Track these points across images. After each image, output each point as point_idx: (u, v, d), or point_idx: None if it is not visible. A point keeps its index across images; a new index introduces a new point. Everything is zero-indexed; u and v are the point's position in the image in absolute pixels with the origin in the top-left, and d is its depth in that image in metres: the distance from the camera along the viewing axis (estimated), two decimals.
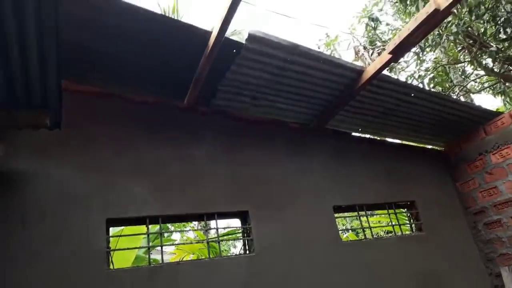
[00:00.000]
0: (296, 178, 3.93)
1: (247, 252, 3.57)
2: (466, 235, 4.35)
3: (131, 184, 3.26)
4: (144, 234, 3.32)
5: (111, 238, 3.19)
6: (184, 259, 5.04)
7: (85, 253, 2.89)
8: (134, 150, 3.41)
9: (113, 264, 3.15)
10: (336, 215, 3.99)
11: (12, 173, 2.87)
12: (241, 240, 3.80)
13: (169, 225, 6.66)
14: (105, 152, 3.29)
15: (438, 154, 4.76)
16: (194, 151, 3.64)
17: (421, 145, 4.73)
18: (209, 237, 3.52)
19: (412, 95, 3.79)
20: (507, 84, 7.74)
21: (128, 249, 3.47)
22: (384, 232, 8.42)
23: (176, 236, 6.32)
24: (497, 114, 4.21)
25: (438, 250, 4.09)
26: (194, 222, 6.68)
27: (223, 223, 3.78)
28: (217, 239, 3.70)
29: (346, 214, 4.34)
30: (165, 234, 6.24)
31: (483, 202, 4.26)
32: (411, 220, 4.38)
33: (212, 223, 3.64)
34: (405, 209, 4.45)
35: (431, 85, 8.31)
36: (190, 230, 5.32)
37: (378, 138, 4.55)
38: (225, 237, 5.15)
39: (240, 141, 3.88)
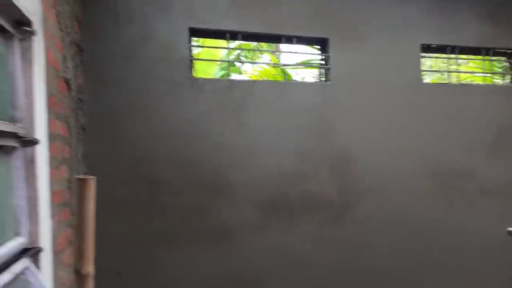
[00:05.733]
0: (387, 8, 3.52)
1: (322, 80, 3.53)
2: None
3: None
4: (225, 48, 3.33)
5: (193, 50, 3.26)
6: None
7: (170, 58, 3.01)
8: None
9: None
10: (423, 54, 3.68)
11: None
12: (315, 71, 3.72)
13: (242, 57, 6.68)
14: None
15: None
16: None
17: None
18: (284, 64, 3.52)
19: None
20: None
21: (210, 60, 3.57)
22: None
23: (249, 66, 6.40)
24: None
25: None
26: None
27: (299, 49, 3.65)
28: (292, 64, 3.65)
29: (434, 55, 3.96)
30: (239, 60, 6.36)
31: None
32: (508, 70, 3.95)
33: (288, 49, 3.55)
34: (504, 57, 3.96)
35: None
36: (266, 50, 5.24)
37: None
38: (299, 66, 5.13)
39: None
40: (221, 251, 3.05)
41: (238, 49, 3.44)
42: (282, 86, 3.34)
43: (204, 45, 3.73)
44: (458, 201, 3.59)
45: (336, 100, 3.36)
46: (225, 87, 3.15)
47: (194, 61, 3.31)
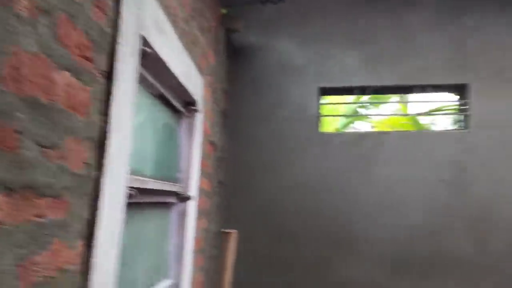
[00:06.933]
0: None
1: (459, 128, 3.32)
2: None
3: (343, 55, 3.36)
4: (354, 103, 3.47)
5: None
6: None
7: (301, 117, 3.31)
8: (348, 21, 3.41)
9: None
10: None
11: (247, 45, 3.42)
12: (448, 117, 3.51)
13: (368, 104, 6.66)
14: (321, 24, 3.43)
15: None
16: (410, 17, 3.35)
17: None
18: (412, 113, 3.43)
19: None
20: None
21: (337, 115, 3.74)
22: None
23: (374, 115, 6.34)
24: None
25: None
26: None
27: (429, 97, 3.56)
28: (424, 113, 3.54)
29: None
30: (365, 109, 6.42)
31: None
32: None
33: (418, 97, 3.50)
34: None
35: None
36: (395, 102, 5.13)
37: None
38: (431, 114, 4.85)
39: (468, 1, 3.30)
40: None
41: (361, 102, 3.55)
42: (414, 136, 3.27)
43: (331, 101, 3.95)
44: None
45: (477, 150, 3.10)
46: (353, 140, 3.26)
47: (321, 117, 3.55)
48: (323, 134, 3.32)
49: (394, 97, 5.06)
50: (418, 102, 3.68)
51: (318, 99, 3.37)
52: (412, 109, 5.62)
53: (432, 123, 5.40)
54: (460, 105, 3.36)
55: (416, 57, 3.29)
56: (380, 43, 3.33)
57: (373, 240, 3.08)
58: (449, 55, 3.25)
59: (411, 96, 3.46)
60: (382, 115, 4.34)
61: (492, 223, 3.00)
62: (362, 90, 3.40)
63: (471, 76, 3.20)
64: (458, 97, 3.41)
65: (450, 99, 3.68)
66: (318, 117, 3.34)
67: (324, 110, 4.27)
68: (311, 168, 3.23)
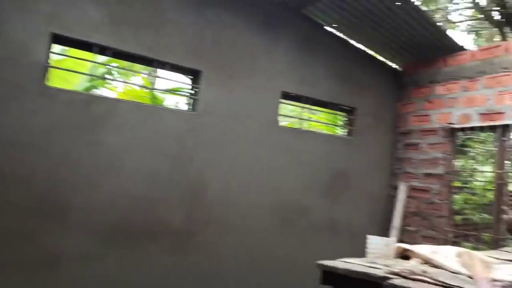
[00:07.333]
0: (257, 54, 3.86)
1: (189, 110, 3.64)
2: (385, 149, 4.74)
3: (85, 3, 2.99)
4: (92, 61, 3.18)
5: (54, 59, 3.03)
6: None
7: (20, 60, 2.76)
8: None
9: None
10: (282, 101, 4.10)
11: None
12: (185, 99, 3.81)
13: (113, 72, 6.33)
14: None
15: (393, 72, 4.88)
16: None
17: (382, 58, 4.79)
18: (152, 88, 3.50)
19: (400, 3, 3.67)
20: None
21: (70, 70, 3.34)
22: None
23: (119, 84, 6.11)
24: (461, 48, 4.30)
25: (358, 155, 4.47)
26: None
27: (171, 77, 3.77)
28: (160, 89, 3.67)
29: (291, 102, 4.44)
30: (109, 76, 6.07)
31: (413, 125, 4.63)
32: (346, 124, 4.68)
33: (162, 74, 3.60)
34: (345, 113, 4.68)
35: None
36: (138, 72, 5.09)
37: (344, 37, 4.49)
38: (167, 92, 5.14)
39: None
40: (43, 283, 2.78)
41: (108, 65, 3.35)
42: (148, 110, 3.35)
43: (70, 53, 3.45)
44: (292, 235, 3.98)
45: (199, 131, 3.50)
46: (84, 101, 3.01)
47: (52, 68, 3.08)
48: (49, 88, 2.90)
49: (142, 69, 5.02)
50: (161, 78, 3.78)
51: (49, 47, 2.91)
52: (157, 85, 5.75)
53: (176, 103, 5.74)
54: (193, 88, 3.67)
55: (162, 32, 3.36)
56: (128, 4, 3.19)
57: (90, 209, 2.96)
58: (190, 40, 3.50)
59: (159, 72, 3.53)
60: (116, 80, 4.17)
61: (201, 197, 3.48)
62: (102, 50, 3.16)
63: (204, 64, 3.56)
64: (191, 81, 3.71)
65: (185, 81, 3.95)
66: (46, 67, 2.88)
67: (61, 63, 3.73)
68: (27, 124, 2.76)
